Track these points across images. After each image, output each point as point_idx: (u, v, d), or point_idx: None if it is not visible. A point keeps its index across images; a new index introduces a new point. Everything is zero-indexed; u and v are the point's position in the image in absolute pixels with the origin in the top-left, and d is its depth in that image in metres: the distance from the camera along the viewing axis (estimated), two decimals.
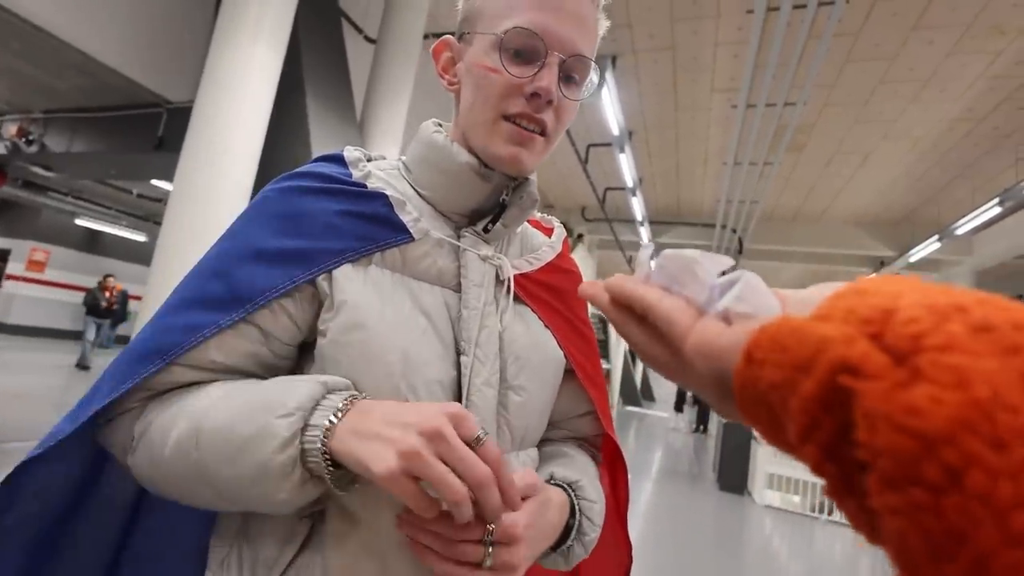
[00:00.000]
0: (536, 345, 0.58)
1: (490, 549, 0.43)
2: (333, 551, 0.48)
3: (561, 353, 0.61)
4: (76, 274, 12.13)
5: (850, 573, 4.23)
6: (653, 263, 0.31)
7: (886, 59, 4.39)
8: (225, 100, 3.01)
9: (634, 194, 6.78)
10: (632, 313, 0.30)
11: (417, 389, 0.48)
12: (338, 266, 0.50)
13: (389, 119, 4.03)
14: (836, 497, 0.19)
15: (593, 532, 0.56)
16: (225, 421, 0.44)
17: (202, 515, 0.56)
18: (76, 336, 11.98)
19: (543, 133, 0.52)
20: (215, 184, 2.98)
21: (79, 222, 11.91)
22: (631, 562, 0.72)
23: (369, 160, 0.58)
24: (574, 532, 0.54)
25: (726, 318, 0.26)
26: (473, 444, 0.40)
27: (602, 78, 4.57)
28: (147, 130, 5.58)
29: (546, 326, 0.61)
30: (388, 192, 0.54)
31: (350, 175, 0.55)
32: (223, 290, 0.49)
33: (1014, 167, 5.32)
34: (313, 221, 0.52)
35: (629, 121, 5.12)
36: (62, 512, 0.53)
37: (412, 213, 0.54)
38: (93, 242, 12.64)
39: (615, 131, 5.01)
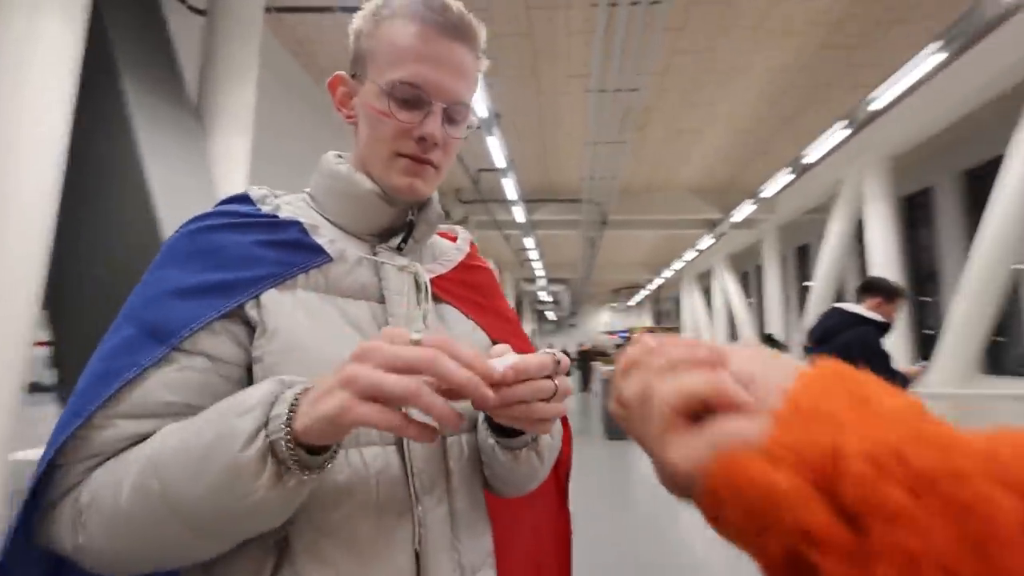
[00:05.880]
0: (460, 337, 0.62)
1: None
2: (309, 564, 0.48)
3: (487, 339, 0.66)
4: None
5: None
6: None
7: (704, 52, 5.27)
8: (3, 87, 2.40)
9: (505, 175, 7.18)
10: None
11: None
12: (263, 292, 0.52)
13: (234, 103, 3.52)
14: None
15: (548, 439, 0.62)
16: (182, 440, 0.43)
17: None
18: None
19: (434, 165, 0.59)
20: (1, 189, 2.34)
21: None
22: (570, 532, 0.79)
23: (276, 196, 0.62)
24: None
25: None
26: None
27: None
28: None
29: (468, 317, 0.66)
30: (301, 219, 0.57)
31: (259, 211, 0.58)
32: (137, 332, 0.49)
33: (795, 143, 6.69)
34: (229, 254, 0.53)
35: (495, 104, 5.46)
36: None
37: (327, 235, 0.57)
38: None
39: (482, 114, 5.33)
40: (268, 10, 3.76)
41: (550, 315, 29.44)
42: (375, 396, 0.38)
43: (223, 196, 0.61)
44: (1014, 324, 5.76)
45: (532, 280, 18.26)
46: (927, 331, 6.65)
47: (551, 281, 19.11)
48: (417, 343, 0.40)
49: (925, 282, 7.14)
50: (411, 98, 0.56)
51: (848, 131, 5.43)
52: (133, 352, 0.48)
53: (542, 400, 0.46)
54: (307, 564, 0.48)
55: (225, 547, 0.45)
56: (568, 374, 0.49)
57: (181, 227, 0.57)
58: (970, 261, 4.43)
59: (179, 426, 0.45)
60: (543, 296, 22.82)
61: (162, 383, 0.48)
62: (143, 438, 0.47)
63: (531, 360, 0.45)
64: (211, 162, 3.30)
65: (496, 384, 0.42)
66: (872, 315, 2.63)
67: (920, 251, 7.28)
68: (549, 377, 0.46)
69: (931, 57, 3.99)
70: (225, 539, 0.45)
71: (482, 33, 0.60)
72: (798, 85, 5.76)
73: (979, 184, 5.87)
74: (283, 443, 0.40)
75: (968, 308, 4.43)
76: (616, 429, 7.66)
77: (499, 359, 0.45)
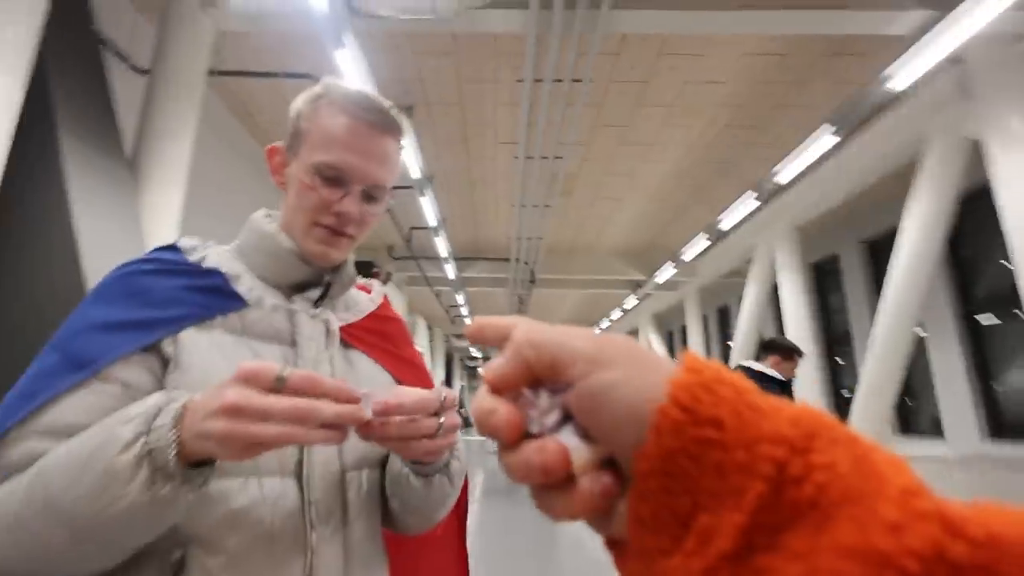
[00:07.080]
0: (365, 380, 0.68)
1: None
2: None
3: (392, 380, 0.72)
4: None
5: None
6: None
7: (622, 126, 5.59)
8: None
9: (437, 234, 7.14)
10: None
11: None
12: (181, 330, 0.57)
13: (169, 158, 3.59)
14: None
15: (457, 463, 0.67)
16: (68, 448, 0.46)
17: None
18: None
19: (348, 236, 0.66)
20: None
21: None
22: (468, 573, 0.83)
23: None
24: (449, 453, 0.64)
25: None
26: (277, 385, 0.42)
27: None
28: None
29: (375, 361, 0.71)
30: (223, 269, 0.63)
31: (186, 259, 0.64)
32: (60, 360, 0.53)
33: (710, 210, 7.17)
34: (155, 295, 0.58)
35: (428, 167, 5.45)
36: None
37: (247, 284, 0.63)
38: None
39: (415, 175, 5.30)
40: (211, 73, 3.75)
41: (480, 371, 29.28)
42: (252, 441, 0.41)
43: (151, 246, 0.67)
44: (922, 387, 6.05)
45: (463, 336, 17.98)
46: (844, 391, 6.97)
47: None
48: (283, 380, 0.42)
49: (839, 344, 7.47)
50: (334, 177, 0.63)
51: (757, 202, 5.87)
52: (53, 376, 0.52)
53: (427, 436, 0.51)
54: None
55: (109, 559, 0.47)
56: (462, 407, 0.54)
57: (114, 270, 0.62)
58: (875, 325, 4.66)
59: (72, 439, 0.47)
60: (474, 352, 22.50)
61: (74, 406, 0.51)
62: None
63: (407, 397, 0.50)
64: (142, 214, 3.42)
65: (366, 424, 0.47)
66: (773, 373, 2.80)
67: (833, 314, 7.67)
68: (437, 413, 0.51)
69: (824, 138, 4.42)
70: (105, 548, 0.46)
71: (405, 124, 0.69)
72: (708, 159, 6.22)
73: (880, 253, 6.36)
74: (167, 451, 0.43)
75: (877, 370, 4.60)
76: None
77: (384, 392, 0.49)
